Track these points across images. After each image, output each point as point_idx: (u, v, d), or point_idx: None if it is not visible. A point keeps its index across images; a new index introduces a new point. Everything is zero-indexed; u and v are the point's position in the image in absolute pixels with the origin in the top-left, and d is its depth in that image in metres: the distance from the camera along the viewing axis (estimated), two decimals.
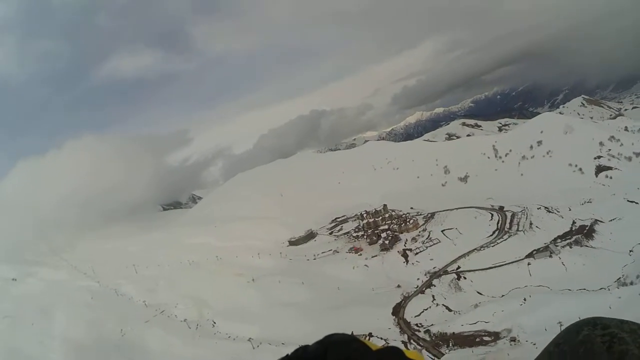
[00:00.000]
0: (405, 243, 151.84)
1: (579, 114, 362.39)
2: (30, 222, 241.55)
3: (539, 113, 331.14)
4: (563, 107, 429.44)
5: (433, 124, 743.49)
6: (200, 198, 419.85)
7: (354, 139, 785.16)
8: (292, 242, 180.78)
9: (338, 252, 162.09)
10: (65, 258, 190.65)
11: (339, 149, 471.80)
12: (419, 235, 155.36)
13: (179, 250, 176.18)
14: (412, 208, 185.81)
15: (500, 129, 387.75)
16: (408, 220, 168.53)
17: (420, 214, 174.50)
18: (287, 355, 2.67)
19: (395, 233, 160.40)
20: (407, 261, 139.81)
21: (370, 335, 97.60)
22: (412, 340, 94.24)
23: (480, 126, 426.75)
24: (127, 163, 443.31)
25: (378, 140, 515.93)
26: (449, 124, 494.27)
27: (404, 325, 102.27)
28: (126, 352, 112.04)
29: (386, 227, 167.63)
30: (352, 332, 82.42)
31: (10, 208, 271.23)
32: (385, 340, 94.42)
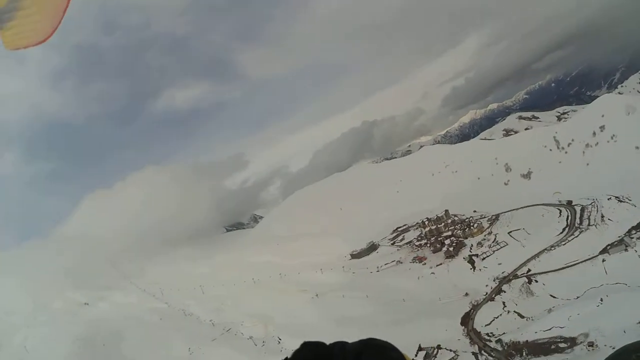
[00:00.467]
0: (471, 248, 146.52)
1: (639, 92, 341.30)
2: (100, 250, 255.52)
3: (597, 96, 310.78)
4: (621, 86, 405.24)
5: (488, 121, 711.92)
6: (261, 217, 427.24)
7: (409, 146, 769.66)
8: (354, 255, 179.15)
9: (401, 262, 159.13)
10: (134, 282, 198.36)
11: (395, 158, 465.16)
12: (484, 239, 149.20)
13: (243, 270, 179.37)
14: (475, 211, 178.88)
15: (559, 118, 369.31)
16: (472, 224, 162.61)
17: (484, 217, 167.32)
18: (326, 345, 2.72)
19: (460, 239, 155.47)
20: (473, 267, 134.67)
21: (439, 347, 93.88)
22: (483, 352, 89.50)
23: (538, 117, 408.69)
24: (188, 190, 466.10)
25: (433, 144, 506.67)
26: (504, 119, 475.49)
27: (474, 336, 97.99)
28: None
29: (449, 233, 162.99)
30: (419, 345, 78.58)
31: (81, 238, 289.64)
32: (454, 352, 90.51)
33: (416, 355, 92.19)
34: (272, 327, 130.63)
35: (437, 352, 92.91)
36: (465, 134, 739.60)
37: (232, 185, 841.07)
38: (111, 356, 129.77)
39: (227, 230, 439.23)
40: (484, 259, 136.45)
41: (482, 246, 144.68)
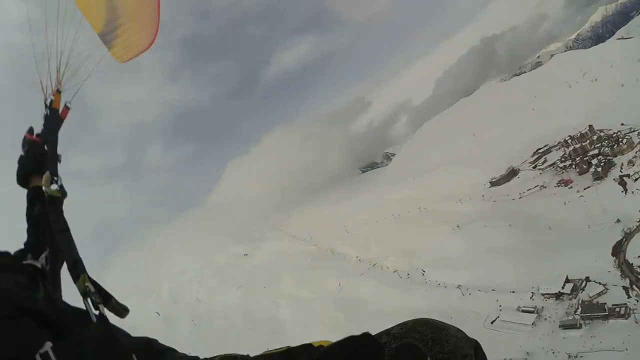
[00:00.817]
0: (621, 168, 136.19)
1: None
2: (251, 207, 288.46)
3: None
4: None
5: (623, 17, 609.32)
6: (393, 155, 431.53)
7: (538, 57, 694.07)
8: (494, 183, 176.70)
9: (545, 187, 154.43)
10: (285, 230, 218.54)
11: (524, 72, 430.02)
12: (636, 156, 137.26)
13: (383, 207, 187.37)
14: (622, 124, 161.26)
15: None
16: (620, 139, 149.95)
17: (635, 130, 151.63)
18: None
19: (608, 157, 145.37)
20: (625, 190, 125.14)
21: (588, 279, 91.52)
22: (634, 286, 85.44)
23: None
24: (318, 140, 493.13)
25: (565, 51, 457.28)
26: None
27: (625, 268, 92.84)
28: (345, 303, 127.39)
29: (596, 151, 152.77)
30: (566, 277, 77.04)
31: (232, 200, 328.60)
32: (604, 285, 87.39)
33: (563, 287, 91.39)
34: (415, 261, 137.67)
35: (585, 284, 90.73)
36: (600, 35, 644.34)
37: (359, 128, 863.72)
38: (272, 296, 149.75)
39: (363, 172, 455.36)
40: (636, 179, 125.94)
41: (633, 165, 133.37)
